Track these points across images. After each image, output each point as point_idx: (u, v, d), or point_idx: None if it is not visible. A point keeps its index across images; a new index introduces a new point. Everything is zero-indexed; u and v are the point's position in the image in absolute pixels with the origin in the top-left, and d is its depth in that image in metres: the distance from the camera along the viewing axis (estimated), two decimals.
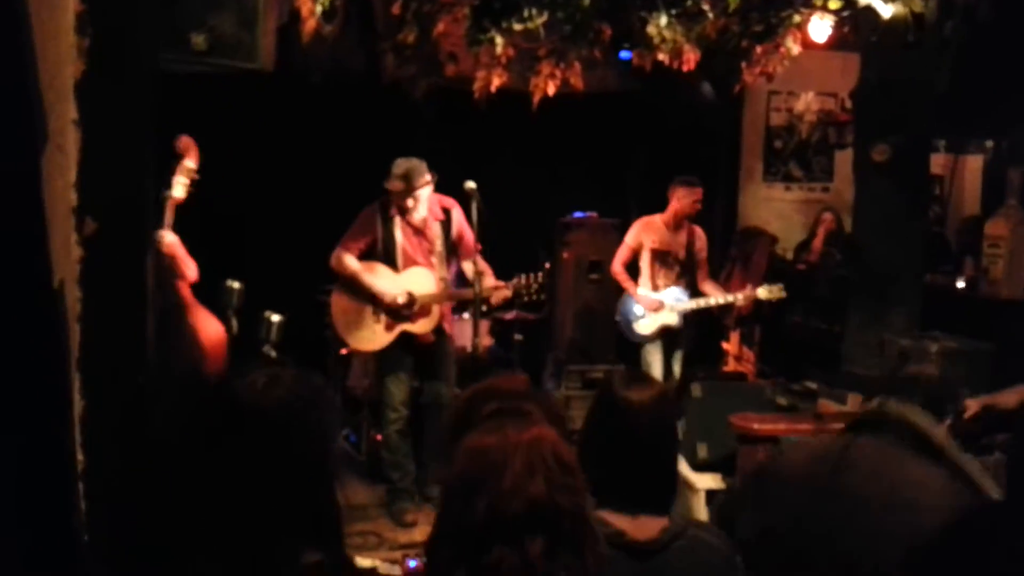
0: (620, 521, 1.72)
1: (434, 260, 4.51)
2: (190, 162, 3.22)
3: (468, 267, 4.47)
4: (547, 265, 4.65)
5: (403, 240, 4.49)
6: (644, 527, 1.75)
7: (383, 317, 4.48)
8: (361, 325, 4.49)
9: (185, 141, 3.28)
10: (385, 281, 4.46)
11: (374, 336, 4.50)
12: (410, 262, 4.49)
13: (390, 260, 4.49)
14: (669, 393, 1.88)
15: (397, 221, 4.47)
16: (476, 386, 1.71)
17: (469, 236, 4.46)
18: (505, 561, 1.25)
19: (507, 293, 4.54)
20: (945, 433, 2.16)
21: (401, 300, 4.42)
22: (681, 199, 5.25)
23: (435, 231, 4.52)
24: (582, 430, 1.89)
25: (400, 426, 4.53)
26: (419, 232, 4.50)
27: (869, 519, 2.00)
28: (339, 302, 4.54)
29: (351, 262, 4.45)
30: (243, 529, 1.36)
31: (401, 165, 4.39)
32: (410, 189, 4.37)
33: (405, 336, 4.50)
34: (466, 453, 1.37)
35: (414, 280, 4.48)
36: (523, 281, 4.54)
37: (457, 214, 4.55)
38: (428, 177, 4.41)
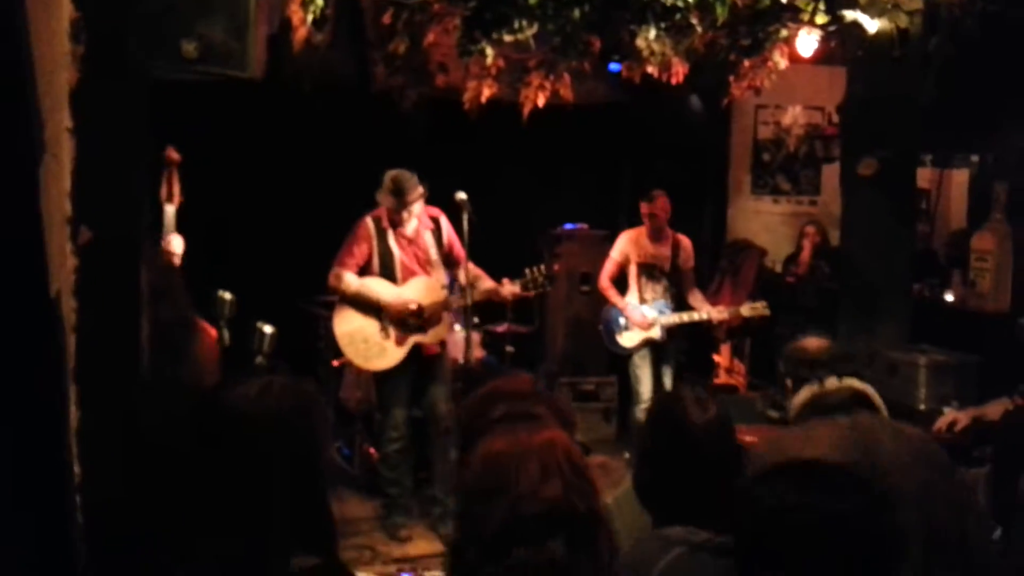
0: (701, 533, 1.75)
1: (431, 268, 4.48)
2: (176, 170, 3.26)
3: (461, 274, 4.44)
4: (542, 266, 4.62)
5: (400, 252, 4.43)
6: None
7: (392, 332, 4.39)
8: (371, 345, 4.39)
9: (172, 151, 3.31)
10: (390, 294, 4.39)
11: (385, 353, 4.40)
12: (408, 273, 4.45)
13: (388, 273, 4.42)
14: (726, 409, 1.91)
15: (391, 233, 4.42)
16: (481, 390, 1.73)
17: (458, 245, 4.44)
18: (528, 562, 1.28)
19: (516, 289, 4.49)
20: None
21: (412, 307, 4.35)
22: (643, 213, 5.34)
23: (427, 240, 4.50)
24: (645, 454, 1.91)
25: (401, 445, 4.47)
26: (413, 242, 4.47)
27: (910, 477, 2.15)
28: (343, 327, 4.42)
29: (352, 280, 4.37)
30: (234, 534, 1.36)
31: (393, 178, 4.34)
32: (404, 203, 4.34)
33: (414, 349, 4.42)
34: (481, 459, 1.39)
35: (417, 289, 4.43)
36: (531, 275, 4.50)
37: (445, 223, 4.54)
38: (420, 190, 4.38)
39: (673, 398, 2.00)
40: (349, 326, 4.41)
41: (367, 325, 4.39)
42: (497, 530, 1.31)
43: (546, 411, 1.60)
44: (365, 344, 4.39)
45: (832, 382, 2.35)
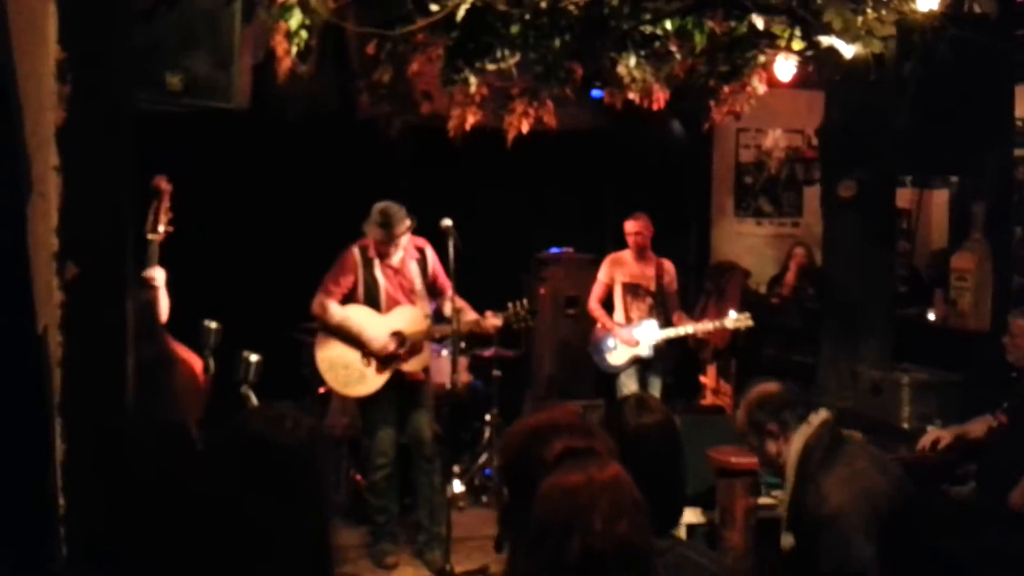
0: None
1: (415, 298, 4.53)
2: (167, 201, 3.26)
3: (446, 305, 4.49)
4: (524, 301, 4.71)
5: (385, 282, 4.48)
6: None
7: (373, 360, 4.42)
8: (352, 372, 4.42)
9: (163, 181, 3.31)
10: (373, 325, 4.42)
11: (366, 380, 4.43)
12: (393, 303, 4.49)
13: (372, 302, 4.47)
14: (672, 417, 1.95)
15: (377, 263, 4.48)
16: (529, 422, 1.74)
17: (443, 275, 4.50)
18: None
19: (498, 322, 4.56)
20: None
21: (391, 348, 4.40)
22: (626, 233, 5.50)
23: (413, 270, 4.55)
24: None
25: (387, 471, 4.49)
26: (398, 272, 4.52)
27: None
28: (324, 353, 4.46)
29: (336, 310, 4.42)
30: (245, 568, 1.35)
31: (381, 211, 4.40)
32: (392, 236, 4.39)
33: (397, 375, 4.46)
34: (553, 493, 1.42)
35: (401, 319, 4.47)
36: (513, 309, 4.59)
37: (431, 253, 4.60)
38: (408, 223, 4.44)
39: (619, 403, 2.08)
40: (330, 352, 4.45)
41: (348, 352, 4.42)
42: (572, 565, 1.34)
43: (601, 445, 1.62)
44: (346, 370, 4.42)
45: (815, 417, 2.45)
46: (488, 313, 4.56)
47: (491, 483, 5.34)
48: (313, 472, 1.46)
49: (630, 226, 5.47)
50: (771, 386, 2.62)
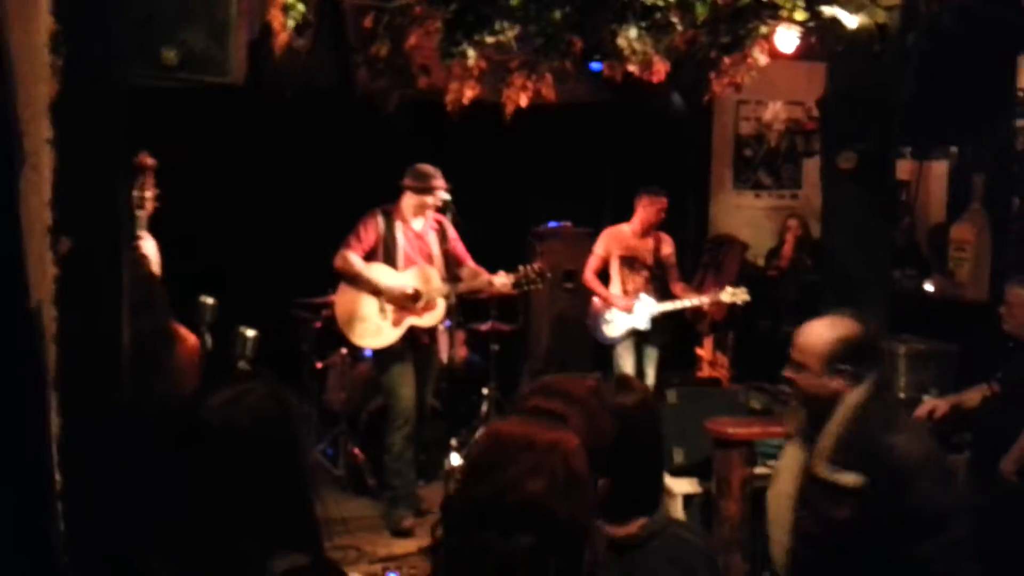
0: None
1: (432, 262, 4.72)
2: (152, 177, 3.24)
3: (463, 271, 4.71)
4: (535, 264, 4.81)
5: (404, 243, 4.66)
6: (624, 524, 1.80)
7: (390, 313, 4.58)
8: (367, 321, 4.59)
9: (147, 156, 3.29)
10: (390, 278, 4.60)
11: (381, 332, 4.59)
12: (410, 263, 4.67)
13: (391, 262, 4.65)
14: (650, 395, 1.94)
15: (398, 226, 4.66)
16: (542, 379, 1.74)
17: (461, 245, 4.73)
18: (491, 546, 1.29)
19: (508, 281, 4.70)
20: None
21: (409, 291, 4.56)
22: (646, 208, 5.48)
23: (431, 237, 4.74)
24: None
25: (407, 431, 4.60)
26: (419, 237, 4.70)
27: None
28: (343, 300, 4.63)
29: (356, 261, 4.58)
30: (210, 539, 1.38)
31: (420, 167, 4.61)
32: (431, 188, 4.59)
33: (410, 334, 4.61)
34: (487, 437, 1.42)
35: (416, 277, 4.64)
36: (524, 271, 4.73)
37: (449, 226, 4.78)
38: (443, 182, 4.62)
39: (598, 385, 2.05)
40: (350, 304, 4.62)
41: (366, 305, 4.59)
42: (475, 508, 1.33)
43: (577, 417, 1.56)
44: (363, 323, 4.59)
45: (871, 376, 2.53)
46: (500, 273, 4.70)
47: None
48: (261, 443, 1.47)
49: (657, 202, 5.46)
50: (870, 330, 2.54)
